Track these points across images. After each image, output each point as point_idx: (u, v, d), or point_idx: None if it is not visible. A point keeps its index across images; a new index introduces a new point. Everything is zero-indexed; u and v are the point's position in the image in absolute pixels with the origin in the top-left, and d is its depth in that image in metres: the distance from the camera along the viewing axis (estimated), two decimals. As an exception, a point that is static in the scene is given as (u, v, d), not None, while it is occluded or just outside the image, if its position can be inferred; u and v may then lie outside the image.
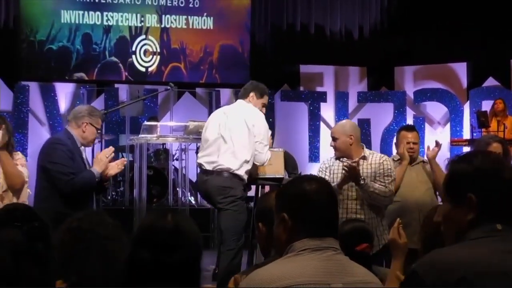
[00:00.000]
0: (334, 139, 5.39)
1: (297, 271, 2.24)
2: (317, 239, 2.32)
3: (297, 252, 2.31)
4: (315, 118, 12.10)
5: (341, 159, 5.38)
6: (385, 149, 11.92)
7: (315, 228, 2.34)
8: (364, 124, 12.10)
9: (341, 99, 12.40)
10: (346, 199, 5.24)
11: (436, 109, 12.39)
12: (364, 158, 5.35)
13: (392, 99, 12.33)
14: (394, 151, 11.43)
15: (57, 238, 2.67)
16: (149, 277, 1.92)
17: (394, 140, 6.39)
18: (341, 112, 12.30)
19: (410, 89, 12.56)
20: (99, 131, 5.71)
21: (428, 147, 5.99)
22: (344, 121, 5.87)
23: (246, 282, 2.32)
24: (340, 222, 5.04)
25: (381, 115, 12.20)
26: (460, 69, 12.62)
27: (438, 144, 5.93)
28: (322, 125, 12.16)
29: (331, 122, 12.29)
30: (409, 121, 12.04)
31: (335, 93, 12.53)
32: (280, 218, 2.38)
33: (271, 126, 11.90)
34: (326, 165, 5.48)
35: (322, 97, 12.28)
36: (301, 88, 12.61)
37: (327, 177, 5.27)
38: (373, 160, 5.35)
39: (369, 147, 11.89)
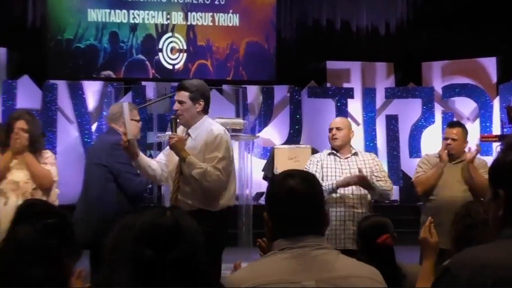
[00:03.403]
0: (338, 129, 5.58)
1: (266, 271, 2.20)
2: (293, 238, 2.25)
3: (273, 252, 2.27)
4: (342, 115, 11.97)
5: (334, 153, 5.57)
6: (413, 145, 11.86)
7: (290, 227, 2.27)
8: (392, 120, 12.03)
9: (369, 95, 12.32)
10: (344, 194, 5.42)
11: (465, 105, 12.26)
12: (356, 154, 5.60)
13: (420, 95, 12.23)
14: (423, 147, 11.54)
15: (112, 238, 2.67)
16: (154, 273, 1.93)
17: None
18: (369, 108, 12.23)
19: (438, 85, 12.44)
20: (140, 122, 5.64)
21: (469, 149, 5.85)
22: (345, 117, 6.05)
23: (223, 283, 2.29)
24: (337, 216, 5.23)
25: (409, 111, 12.11)
26: (489, 63, 12.47)
27: (478, 147, 5.80)
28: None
29: (359, 118, 12.23)
30: (438, 117, 11.94)
31: (362, 89, 12.45)
32: (264, 216, 2.36)
33: (298, 122, 11.90)
34: (317, 159, 5.62)
35: (349, 93, 12.21)
36: (328, 85, 12.55)
37: (317, 171, 5.48)
38: (364, 156, 5.63)
39: (397, 143, 11.95)
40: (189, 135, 4.92)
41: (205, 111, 4.96)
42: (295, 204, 2.27)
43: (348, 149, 5.61)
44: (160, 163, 5.07)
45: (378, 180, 5.44)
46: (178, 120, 4.95)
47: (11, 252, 2.20)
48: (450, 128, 5.86)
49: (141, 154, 4.96)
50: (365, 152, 5.93)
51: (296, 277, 2.17)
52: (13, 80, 11.38)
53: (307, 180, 2.35)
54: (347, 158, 5.55)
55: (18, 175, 5.11)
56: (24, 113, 5.35)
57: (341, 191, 5.37)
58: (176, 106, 4.92)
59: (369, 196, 5.46)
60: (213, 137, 4.84)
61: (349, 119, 6.07)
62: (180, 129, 5.03)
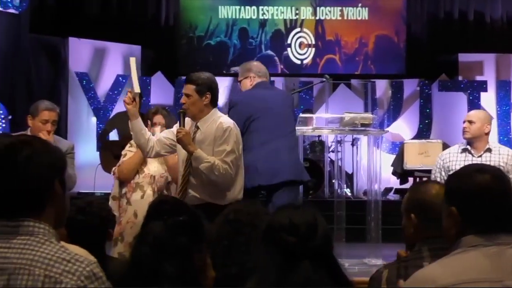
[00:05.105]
0: (470, 122, 5.44)
1: (461, 269, 2.14)
2: (487, 235, 2.20)
3: (464, 249, 2.21)
4: (474, 108, 11.67)
5: (468, 149, 5.43)
6: (551, 140, 11.39)
7: (484, 223, 2.22)
8: (528, 114, 11.61)
9: (503, 88, 11.91)
10: None
11: None
12: (489, 150, 5.41)
13: (559, 87, 11.71)
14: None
15: (214, 230, 2.77)
16: (295, 256, 2.20)
17: None
18: (503, 101, 11.82)
19: None
20: None
21: None
22: (482, 110, 5.82)
23: (410, 282, 2.24)
24: None
25: (547, 104, 11.63)
26: None
27: None
28: (482, 115, 11.74)
29: (492, 112, 11.81)
30: None
31: (496, 82, 12.04)
32: (449, 211, 2.28)
33: (429, 117, 11.65)
34: (443, 160, 5.50)
35: (482, 86, 11.84)
36: (460, 78, 12.22)
37: (438, 176, 5.43)
38: (501, 153, 5.41)
39: (532, 138, 11.50)
40: (198, 128, 4.88)
41: (213, 103, 4.91)
42: (488, 201, 2.23)
43: (483, 144, 5.43)
44: (159, 138, 4.99)
45: None
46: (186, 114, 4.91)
47: (145, 248, 2.29)
48: None
49: (139, 118, 4.92)
50: (503, 147, 5.62)
51: (496, 275, 2.13)
52: (147, 77, 11.78)
53: (498, 177, 2.30)
54: (480, 156, 5.38)
55: (154, 169, 5.30)
56: (161, 108, 5.57)
57: None
58: (183, 99, 4.88)
59: None
60: (222, 130, 4.79)
61: (487, 112, 5.81)
62: (189, 122, 4.98)
